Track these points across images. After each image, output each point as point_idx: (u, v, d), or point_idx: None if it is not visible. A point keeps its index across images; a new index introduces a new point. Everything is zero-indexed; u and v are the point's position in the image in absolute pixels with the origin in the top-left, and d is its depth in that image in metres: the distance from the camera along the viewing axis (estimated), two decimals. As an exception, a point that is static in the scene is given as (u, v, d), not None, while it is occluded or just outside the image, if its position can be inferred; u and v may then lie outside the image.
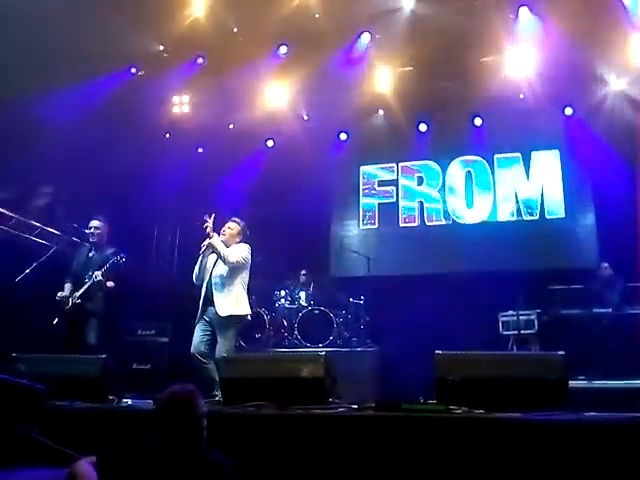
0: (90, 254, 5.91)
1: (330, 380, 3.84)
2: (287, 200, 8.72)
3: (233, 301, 5.09)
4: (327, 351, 5.31)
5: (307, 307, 7.91)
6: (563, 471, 2.88)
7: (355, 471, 3.11)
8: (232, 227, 5.36)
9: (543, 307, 7.38)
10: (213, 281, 5.15)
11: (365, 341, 7.74)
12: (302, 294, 8.26)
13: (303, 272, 8.46)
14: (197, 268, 5.30)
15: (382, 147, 9.72)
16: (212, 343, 5.08)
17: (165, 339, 7.72)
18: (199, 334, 5.11)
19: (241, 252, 5.19)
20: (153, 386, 6.61)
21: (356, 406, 3.62)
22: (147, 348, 7.61)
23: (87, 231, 5.99)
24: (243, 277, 5.22)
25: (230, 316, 5.02)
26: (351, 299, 8.21)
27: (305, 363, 3.81)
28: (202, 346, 5.04)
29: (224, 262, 5.11)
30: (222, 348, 4.92)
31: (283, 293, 8.18)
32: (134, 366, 7.40)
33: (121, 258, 5.69)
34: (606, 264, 7.43)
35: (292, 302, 8.16)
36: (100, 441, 2.94)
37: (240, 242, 5.33)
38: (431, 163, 9.59)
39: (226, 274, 5.14)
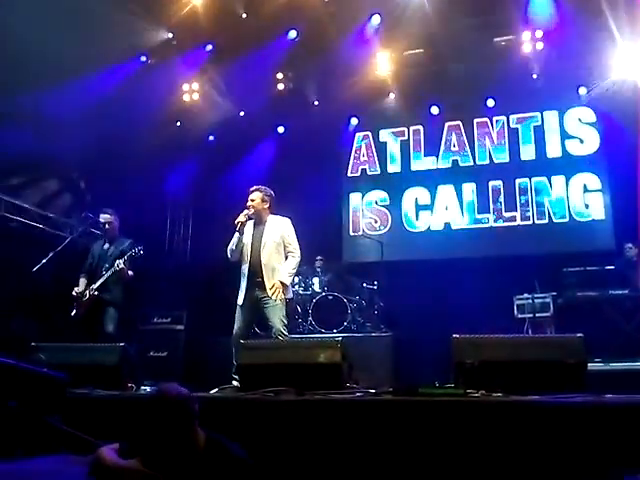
0: (105, 246, 5.98)
1: (347, 365, 3.85)
2: (298, 186, 8.69)
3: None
4: (343, 336, 5.31)
5: (321, 293, 7.91)
6: (583, 453, 2.87)
7: (374, 455, 3.12)
8: (255, 197, 5.26)
9: (558, 290, 7.32)
10: (263, 263, 5.10)
11: (379, 326, 7.74)
12: (315, 280, 8.26)
13: (317, 258, 8.45)
14: (233, 245, 5.21)
15: (394, 131, 9.63)
16: (251, 327, 5.27)
17: (180, 326, 7.80)
18: (244, 319, 5.10)
19: (294, 237, 5.26)
20: (170, 373, 6.69)
21: (374, 391, 3.63)
22: (163, 336, 7.68)
23: (101, 218, 6.05)
24: None
25: (285, 298, 5.11)
26: (364, 284, 8.20)
27: (322, 349, 3.82)
28: (247, 331, 5.09)
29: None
30: (279, 325, 4.96)
31: (297, 279, 8.15)
32: (151, 354, 7.48)
33: (139, 250, 5.76)
34: (630, 244, 7.32)
35: (306, 288, 8.17)
36: (120, 428, 2.97)
37: (274, 212, 5.32)
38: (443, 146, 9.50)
39: (278, 257, 5.16)
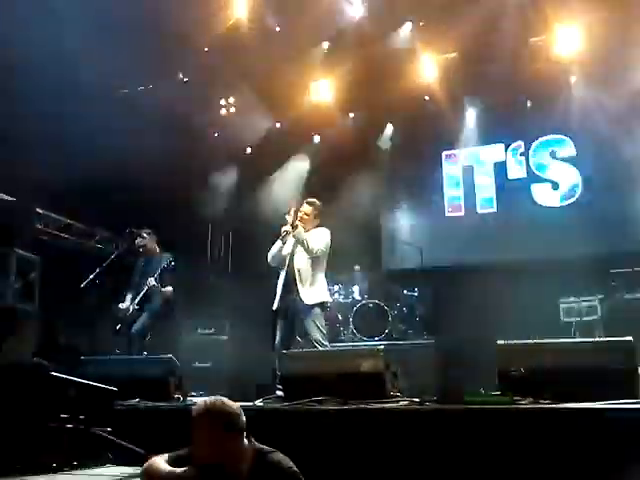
0: (144, 264, 6.19)
1: (390, 374, 3.83)
2: (336, 195, 8.71)
3: (318, 288, 5.15)
4: (385, 344, 5.28)
5: (361, 301, 7.90)
6: (636, 463, 2.79)
7: (420, 465, 3.10)
8: (308, 211, 5.31)
9: (605, 292, 7.13)
10: (296, 268, 5.15)
11: (421, 333, 7.67)
12: (355, 288, 8.26)
13: (356, 267, 8.43)
14: (275, 250, 5.26)
15: (429, 136, 9.56)
16: (293, 336, 5.26)
17: (224, 337, 7.93)
18: (284, 328, 5.14)
19: (323, 240, 5.21)
20: (214, 384, 6.77)
21: (418, 399, 3.59)
22: (207, 346, 7.80)
23: (137, 242, 6.28)
24: (324, 264, 5.27)
25: (320, 303, 5.10)
26: (405, 291, 8.15)
27: (365, 358, 3.82)
28: (288, 341, 5.12)
29: (308, 253, 5.13)
30: (317, 334, 4.98)
31: (337, 288, 8.19)
32: (195, 364, 7.58)
33: (170, 263, 5.92)
34: None
35: (346, 296, 8.18)
36: (169, 440, 3.02)
37: (319, 225, 5.34)
38: (480, 149, 9.37)
39: (309, 262, 5.17)
